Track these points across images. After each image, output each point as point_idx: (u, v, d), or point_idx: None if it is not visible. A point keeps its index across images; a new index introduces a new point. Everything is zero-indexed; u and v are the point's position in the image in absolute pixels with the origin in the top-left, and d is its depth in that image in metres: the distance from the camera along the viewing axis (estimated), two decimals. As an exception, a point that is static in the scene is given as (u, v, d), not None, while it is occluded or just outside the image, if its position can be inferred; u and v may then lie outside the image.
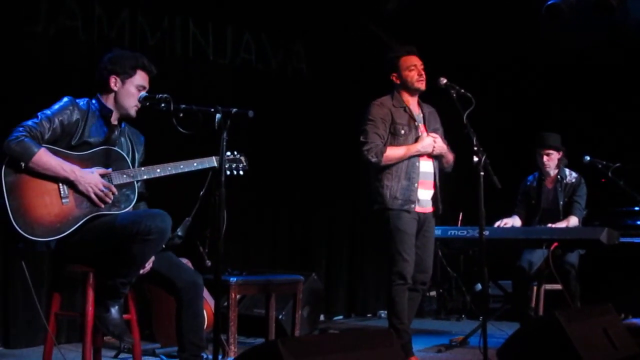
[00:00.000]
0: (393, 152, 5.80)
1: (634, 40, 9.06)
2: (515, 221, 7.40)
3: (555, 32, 9.06)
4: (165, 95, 4.59)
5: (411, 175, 5.83)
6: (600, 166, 7.18)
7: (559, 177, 7.42)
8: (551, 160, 7.37)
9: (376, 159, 5.77)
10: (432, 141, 5.85)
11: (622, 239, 7.17)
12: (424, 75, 5.91)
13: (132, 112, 4.77)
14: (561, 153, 7.38)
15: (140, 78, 4.76)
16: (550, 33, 9.14)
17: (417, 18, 9.45)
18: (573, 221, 7.19)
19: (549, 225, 7.12)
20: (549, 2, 8.32)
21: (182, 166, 4.77)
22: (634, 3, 8.66)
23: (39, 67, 6.63)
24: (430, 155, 5.92)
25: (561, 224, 7.12)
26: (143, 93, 4.73)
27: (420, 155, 5.86)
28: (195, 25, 7.93)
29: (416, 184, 5.84)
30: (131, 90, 4.73)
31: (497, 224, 7.22)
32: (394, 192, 5.81)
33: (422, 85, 5.92)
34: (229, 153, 4.97)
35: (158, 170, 4.72)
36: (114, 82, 4.73)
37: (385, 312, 7.06)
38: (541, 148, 7.38)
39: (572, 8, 8.33)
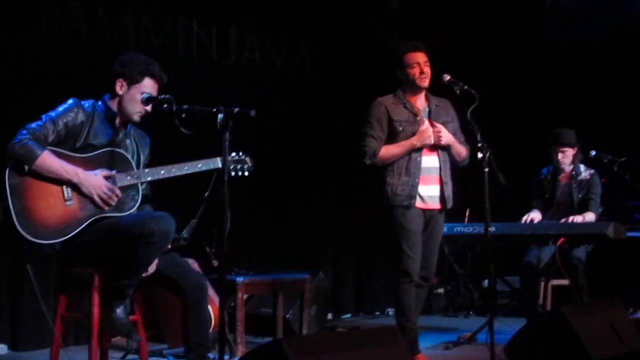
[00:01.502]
0: (388, 151, 5.83)
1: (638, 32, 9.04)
2: (537, 215, 7.37)
3: (559, 27, 9.05)
4: (167, 95, 4.58)
5: (412, 170, 5.80)
6: (605, 160, 7.16)
7: (573, 173, 7.39)
8: (566, 157, 7.35)
9: (370, 161, 5.83)
10: (431, 131, 5.78)
11: (629, 233, 7.16)
12: (426, 73, 5.84)
13: (135, 117, 4.74)
14: (576, 149, 7.36)
15: (146, 85, 4.72)
16: (553, 28, 9.13)
17: (422, 15, 9.44)
18: (589, 217, 7.16)
19: (563, 220, 7.09)
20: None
21: (186, 167, 4.75)
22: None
23: (43, 70, 6.63)
24: (434, 149, 5.87)
25: (578, 217, 7.08)
26: (145, 94, 4.68)
27: (422, 149, 5.82)
28: (198, 26, 7.93)
29: (417, 180, 5.80)
30: (136, 97, 4.69)
31: (523, 219, 7.21)
32: (395, 189, 5.81)
33: (423, 83, 5.86)
34: (234, 154, 4.95)
35: (162, 172, 4.70)
36: (120, 86, 4.70)
37: (393, 309, 7.06)
38: (556, 145, 7.35)
39: (575, 3, 8.31)
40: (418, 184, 5.81)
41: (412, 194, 5.80)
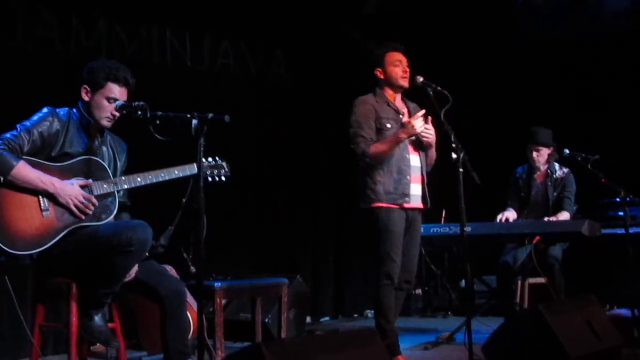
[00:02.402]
0: (377, 149, 5.72)
1: (610, 32, 9.10)
2: (511, 214, 7.41)
3: (531, 26, 9.09)
4: (141, 102, 4.53)
5: (402, 168, 5.79)
6: (579, 159, 7.17)
7: (548, 171, 7.45)
8: (541, 156, 7.41)
9: (362, 162, 5.75)
10: (415, 122, 5.63)
11: (604, 231, 7.20)
12: (408, 72, 5.88)
13: (104, 122, 4.71)
14: (551, 149, 7.40)
15: (111, 90, 4.67)
16: (526, 28, 9.17)
17: (397, 19, 9.46)
18: (564, 216, 7.22)
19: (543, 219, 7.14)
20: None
21: (162, 174, 4.74)
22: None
23: (17, 78, 6.60)
24: (417, 149, 5.90)
25: (552, 219, 7.12)
26: (119, 102, 4.66)
27: (408, 147, 5.82)
28: (172, 33, 7.93)
29: (408, 177, 5.80)
30: (100, 102, 4.67)
31: (498, 218, 7.25)
32: (388, 187, 5.75)
33: (405, 82, 5.88)
34: (210, 159, 4.97)
35: (139, 179, 4.69)
36: (85, 92, 4.70)
37: (372, 311, 7.06)
38: (532, 144, 7.41)
39: (548, 2, 8.35)
40: (410, 181, 5.81)
41: (406, 191, 5.79)
